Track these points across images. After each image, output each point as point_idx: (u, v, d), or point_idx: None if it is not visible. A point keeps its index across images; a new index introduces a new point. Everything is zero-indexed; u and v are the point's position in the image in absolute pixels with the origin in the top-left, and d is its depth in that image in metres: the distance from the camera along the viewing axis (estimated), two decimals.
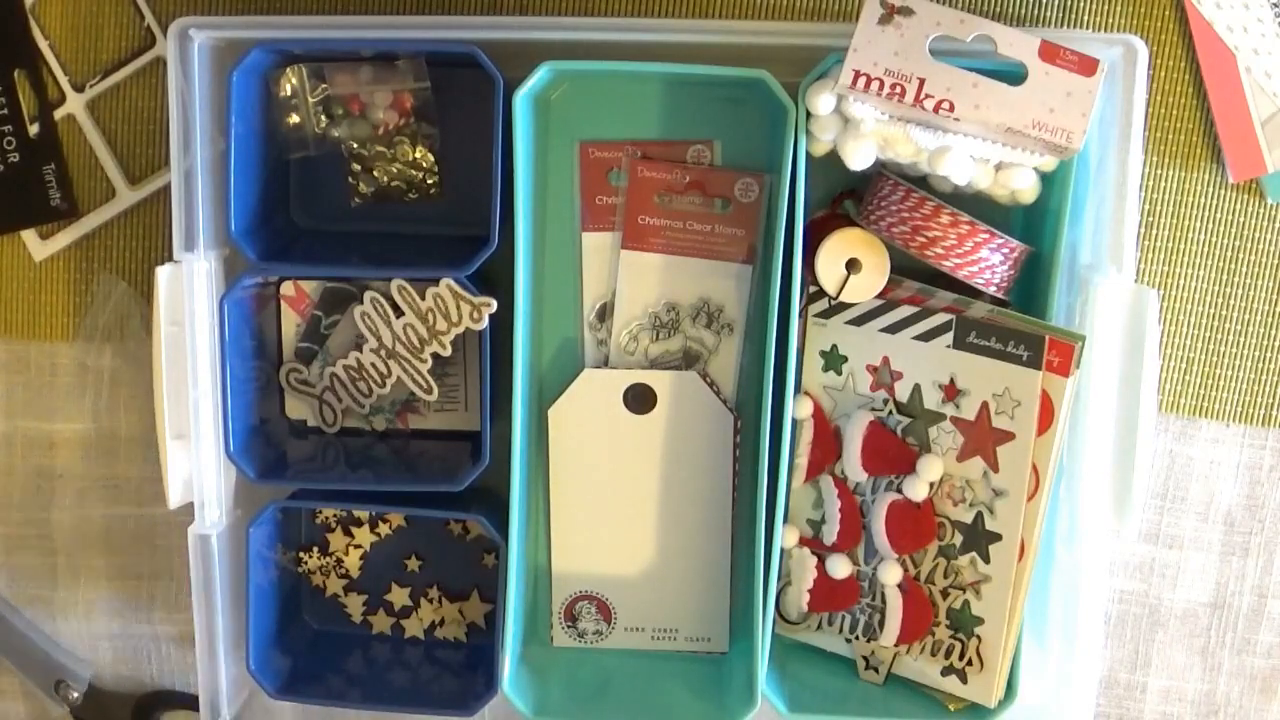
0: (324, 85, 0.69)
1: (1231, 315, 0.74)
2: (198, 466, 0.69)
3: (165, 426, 0.68)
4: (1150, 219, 0.73)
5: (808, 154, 0.65)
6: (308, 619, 0.77)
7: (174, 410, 0.68)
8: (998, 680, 0.68)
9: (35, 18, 0.73)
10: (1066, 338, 0.64)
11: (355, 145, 0.70)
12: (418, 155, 0.71)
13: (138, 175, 0.75)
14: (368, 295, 0.70)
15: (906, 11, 0.61)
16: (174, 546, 0.77)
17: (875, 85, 0.61)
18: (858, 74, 0.61)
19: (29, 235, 0.75)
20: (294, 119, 0.69)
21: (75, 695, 0.78)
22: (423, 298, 0.68)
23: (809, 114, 0.64)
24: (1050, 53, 0.61)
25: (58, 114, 0.74)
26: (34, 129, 0.74)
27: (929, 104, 0.61)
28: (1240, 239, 0.73)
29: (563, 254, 0.72)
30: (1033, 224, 0.69)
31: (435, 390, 0.70)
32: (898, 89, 0.61)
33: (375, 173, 0.71)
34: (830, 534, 0.70)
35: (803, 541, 0.71)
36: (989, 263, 0.66)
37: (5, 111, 0.73)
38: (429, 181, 0.71)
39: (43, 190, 0.74)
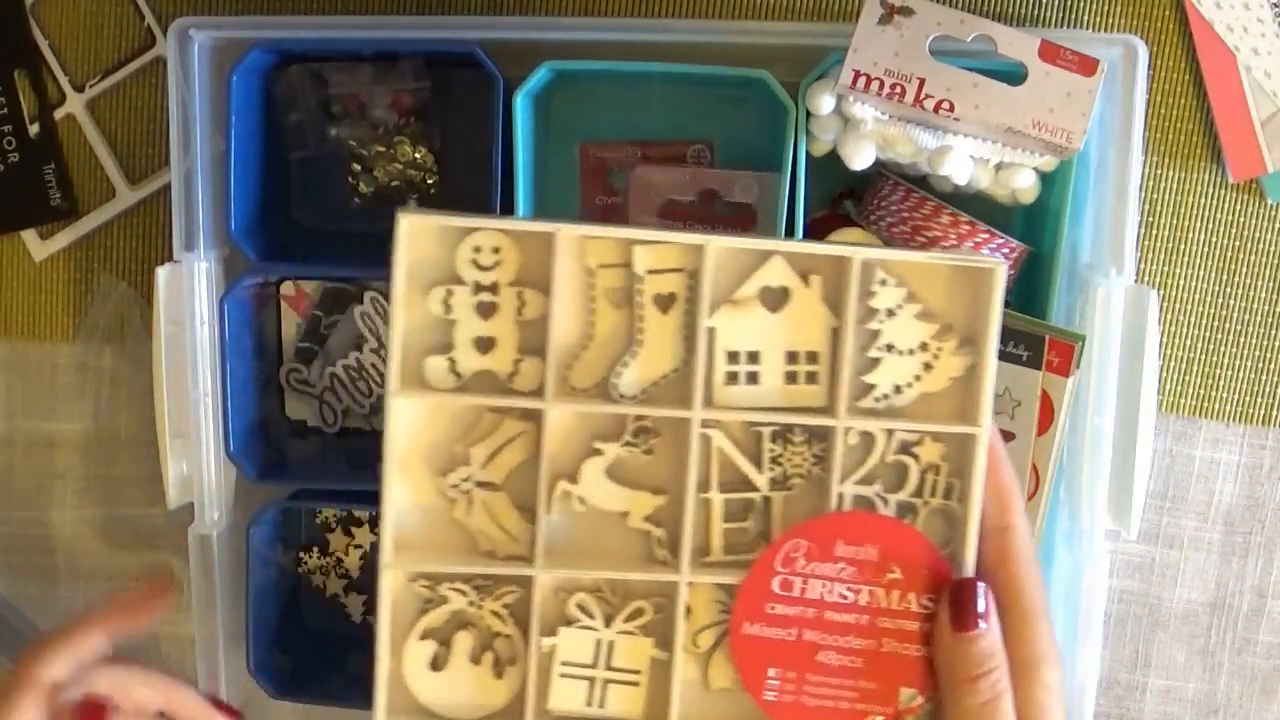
0: (324, 85, 0.69)
1: (1231, 315, 0.74)
2: (198, 466, 0.69)
3: (165, 426, 0.68)
4: (1150, 219, 0.73)
5: (808, 154, 0.65)
6: (308, 619, 0.77)
7: (174, 410, 0.68)
8: None
9: (35, 18, 0.73)
10: (1066, 338, 0.64)
11: (355, 145, 0.70)
12: (418, 155, 0.71)
13: (138, 175, 0.75)
14: (368, 295, 0.70)
15: (906, 11, 0.61)
16: (174, 546, 0.77)
17: (875, 85, 0.61)
18: (858, 74, 0.61)
19: (29, 235, 0.75)
20: (294, 119, 0.69)
21: None
22: None
23: (809, 114, 0.64)
24: (1050, 53, 0.61)
25: (58, 114, 0.74)
26: (34, 129, 0.74)
27: (929, 104, 0.61)
28: (1240, 239, 0.73)
29: None
30: (1033, 224, 0.69)
31: None
32: (898, 89, 0.61)
33: (375, 173, 0.71)
34: None
35: None
36: None
37: (5, 111, 0.73)
38: (429, 181, 0.71)
39: (43, 190, 0.74)
